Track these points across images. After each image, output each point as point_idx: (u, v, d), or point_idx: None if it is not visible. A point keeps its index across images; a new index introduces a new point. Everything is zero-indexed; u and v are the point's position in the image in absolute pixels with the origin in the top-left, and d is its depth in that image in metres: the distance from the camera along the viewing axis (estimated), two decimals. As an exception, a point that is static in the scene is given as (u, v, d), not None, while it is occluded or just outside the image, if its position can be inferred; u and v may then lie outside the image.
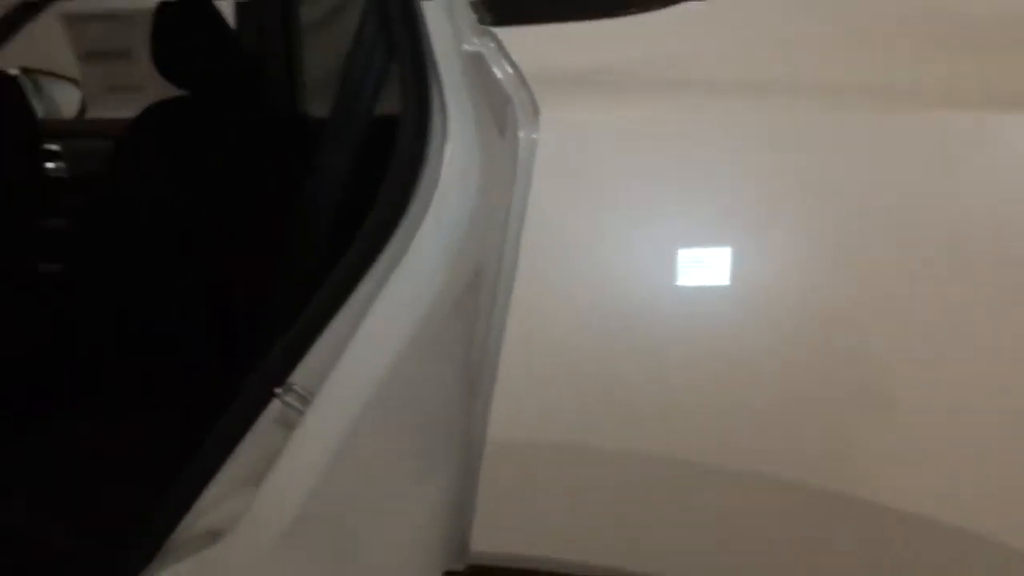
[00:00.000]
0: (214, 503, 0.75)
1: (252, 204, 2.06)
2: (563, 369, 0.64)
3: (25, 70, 1.92)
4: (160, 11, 1.90)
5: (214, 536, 0.73)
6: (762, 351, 0.65)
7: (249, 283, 2.00)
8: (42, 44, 2.37)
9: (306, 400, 0.70)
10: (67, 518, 0.98)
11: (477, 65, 0.70)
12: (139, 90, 2.62)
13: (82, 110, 2.43)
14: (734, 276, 0.65)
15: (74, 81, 2.47)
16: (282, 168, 2.17)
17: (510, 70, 0.68)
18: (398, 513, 0.66)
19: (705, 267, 0.65)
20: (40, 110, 2.42)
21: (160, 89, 2.58)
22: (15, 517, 0.99)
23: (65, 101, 2.30)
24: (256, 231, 2.11)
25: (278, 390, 0.70)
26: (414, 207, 0.71)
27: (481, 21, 0.70)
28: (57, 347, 1.65)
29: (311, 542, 0.66)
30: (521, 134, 0.65)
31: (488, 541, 0.62)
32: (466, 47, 0.70)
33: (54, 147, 2.20)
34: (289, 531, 0.66)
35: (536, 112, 0.65)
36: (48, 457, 1.22)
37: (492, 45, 0.69)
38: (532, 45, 0.67)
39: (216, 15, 2.00)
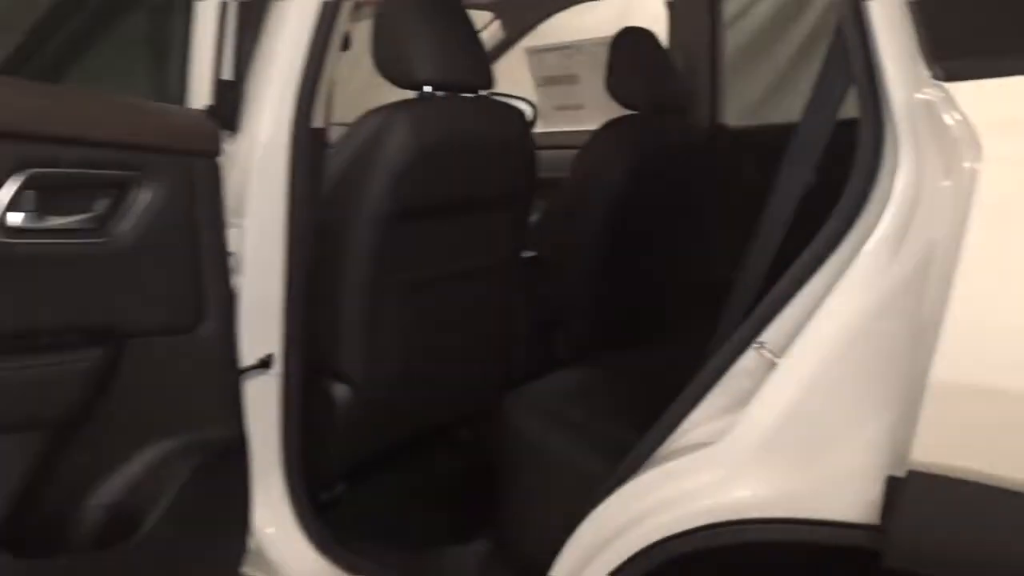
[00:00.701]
0: (696, 425, 1.05)
1: (688, 203, 2.41)
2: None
3: (493, 93, 2.42)
4: (615, 44, 2.28)
5: (699, 447, 1.03)
6: None
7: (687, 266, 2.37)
8: (511, 72, 2.95)
9: (776, 353, 0.96)
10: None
11: (928, 110, 0.90)
12: (580, 108, 3.09)
13: (532, 124, 2.94)
14: None
15: (528, 102, 2.97)
16: (706, 172, 2.48)
17: (958, 117, 0.87)
18: (854, 428, 0.89)
19: None
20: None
21: (597, 108, 3.02)
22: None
23: (522, 119, 2.82)
24: (689, 226, 2.45)
25: (756, 343, 0.98)
26: (867, 217, 0.93)
27: (934, 76, 0.90)
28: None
29: (783, 450, 0.92)
30: (964, 166, 0.85)
31: (926, 453, 0.83)
32: (918, 96, 0.91)
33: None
34: (766, 444, 0.93)
35: (979, 150, 0.84)
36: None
37: (942, 95, 0.89)
38: (980, 96, 0.86)
39: (659, 46, 2.35)
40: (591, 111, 2.99)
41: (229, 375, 1.32)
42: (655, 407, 1.13)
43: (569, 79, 3.03)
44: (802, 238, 1.03)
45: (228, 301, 1.29)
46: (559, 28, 2.96)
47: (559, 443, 1.47)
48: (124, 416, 1.20)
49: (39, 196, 1.07)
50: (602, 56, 2.63)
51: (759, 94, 2.75)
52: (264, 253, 1.45)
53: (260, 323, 1.46)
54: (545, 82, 3.08)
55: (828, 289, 0.89)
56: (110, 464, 1.22)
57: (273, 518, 1.57)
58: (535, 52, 3.04)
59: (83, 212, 1.13)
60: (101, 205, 1.15)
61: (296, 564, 1.59)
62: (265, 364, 1.52)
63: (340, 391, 1.72)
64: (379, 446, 1.90)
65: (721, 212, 2.59)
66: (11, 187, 1.03)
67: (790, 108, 2.45)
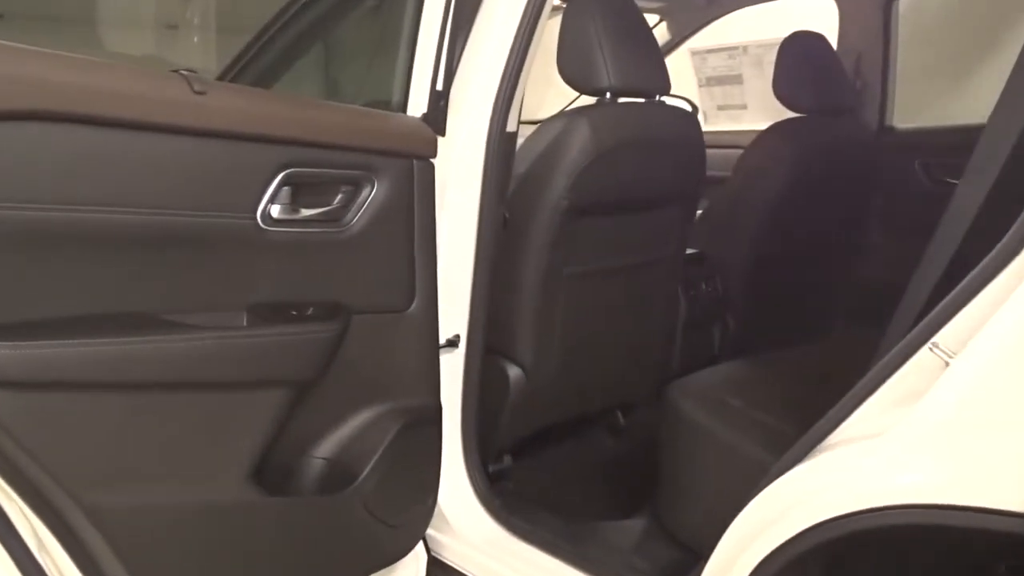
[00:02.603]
0: (863, 419, 1.12)
1: (850, 206, 2.43)
2: None
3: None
4: (784, 48, 2.32)
5: (868, 437, 1.11)
6: None
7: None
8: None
9: (950, 353, 1.03)
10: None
11: None
12: (743, 108, 3.13)
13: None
14: None
15: (690, 102, 3.04)
16: (872, 175, 2.49)
17: None
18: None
19: None
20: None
21: (761, 108, 3.05)
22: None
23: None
24: (850, 228, 2.48)
25: (930, 343, 1.05)
26: None
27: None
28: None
29: (956, 439, 0.99)
30: None
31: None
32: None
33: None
34: (939, 433, 1.00)
35: None
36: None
37: None
38: None
39: (829, 49, 2.37)
40: (754, 112, 3.03)
41: (431, 351, 1.49)
42: (811, 400, 1.20)
43: (732, 79, 3.08)
44: (976, 243, 1.07)
45: (434, 286, 1.45)
46: (722, 29, 3.02)
47: (721, 429, 1.57)
48: (345, 382, 1.39)
49: (292, 191, 1.26)
50: (766, 57, 2.68)
51: (928, 96, 2.71)
52: (457, 243, 1.61)
53: (451, 306, 1.63)
54: (708, 82, 3.14)
55: (1007, 292, 0.94)
56: (332, 423, 1.42)
57: (451, 483, 1.72)
58: (699, 53, 3.11)
59: (323, 205, 1.31)
60: (337, 199, 1.33)
61: (473, 528, 1.75)
62: (453, 343, 1.69)
63: (512, 372, 1.86)
64: (543, 424, 2.04)
65: (884, 216, 2.58)
66: (274, 184, 1.22)
67: (961, 111, 2.42)
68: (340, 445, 1.41)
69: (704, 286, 2.31)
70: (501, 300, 1.75)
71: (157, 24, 3.74)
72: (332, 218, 1.32)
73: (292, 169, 1.23)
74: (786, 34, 2.33)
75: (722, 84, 3.09)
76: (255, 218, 1.21)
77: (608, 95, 1.76)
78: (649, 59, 1.83)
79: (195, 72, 1.15)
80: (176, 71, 1.13)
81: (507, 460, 2.00)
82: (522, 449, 2.04)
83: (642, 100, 1.85)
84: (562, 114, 1.80)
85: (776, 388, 1.71)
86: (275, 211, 1.25)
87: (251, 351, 1.19)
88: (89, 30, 3.11)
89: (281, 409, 1.25)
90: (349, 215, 1.33)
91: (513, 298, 1.79)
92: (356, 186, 1.32)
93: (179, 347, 1.13)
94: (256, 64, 1.94)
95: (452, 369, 1.68)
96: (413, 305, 1.44)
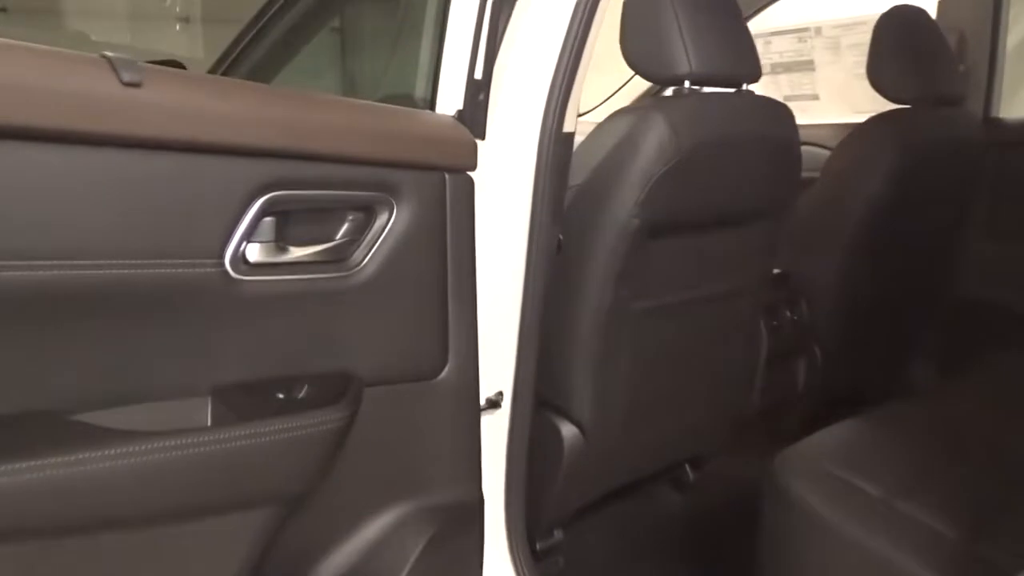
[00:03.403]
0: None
1: (958, 211, 2.06)
2: None
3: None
4: (881, 26, 1.94)
5: None
6: None
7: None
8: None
9: None
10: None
11: None
12: (814, 99, 2.74)
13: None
14: None
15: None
16: (979, 174, 2.11)
17: None
18: None
19: None
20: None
21: (836, 99, 2.67)
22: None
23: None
24: (960, 237, 2.12)
25: None
26: None
27: None
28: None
29: None
30: None
31: None
32: None
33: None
34: None
35: None
36: None
37: None
38: None
39: (934, 28, 1.98)
40: (827, 103, 2.64)
41: (470, 428, 1.12)
42: (978, 483, 0.84)
43: (802, 66, 2.68)
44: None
45: (473, 341, 1.08)
46: (790, 8, 2.62)
47: (855, 529, 1.19)
48: (357, 477, 1.02)
49: (277, 223, 0.89)
50: (844, 39, 2.31)
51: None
52: (501, 275, 1.25)
53: (493, 356, 1.27)
54: (773, 69, 2.74)
55: None
56: (341, 532, 1.05)
57: (493, 571, 1.39)
58: (762, 36, 2.71)
59: (321, 241, 0.94)
60: (342, 232, 0.96)
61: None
62: (495, 403, 1.33)
63: (567, 432, 1.55)
64: (603, 491, 1.72)
65: (993, 221, 2.22)
66: (249, 214, 0.85)
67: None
68: (353, 562, 1.04)
69: (788, 312, 1.95)
70: (554, 345, 1.42)
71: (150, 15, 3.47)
72: (334, 258, 0.95)
73: (275, 192, 0.87)
74: (865, 12, 1.94)
75: (790, 71, 2.69)
76: (222, 263, 0.84)
77: (687, 84, 1.39)
78: (736, 37, 1.47)
79: (131, 59, 0.77)
80: (102, 55, 0.75)
81: (557, 535, 1.69)
82: (576, 520, 1.72)
83: (728, 90, 1.49)
84: (630, 109, 1.44)
85: (920, 463, 1.32)
86: (252, 252, 0.88)
87: (218, 463, 0.82)
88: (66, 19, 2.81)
89: (264, 534, 0.88)
90: (358, 253, 0.96)
91: (569, 342, 1.46)
92: (368, 212, 0.96)
93: (103, 468, 0.75)
94: (253, 53, 1.58)
95: (494, 433, 1.35)
96: (446, 369, 1.07)
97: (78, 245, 0.76)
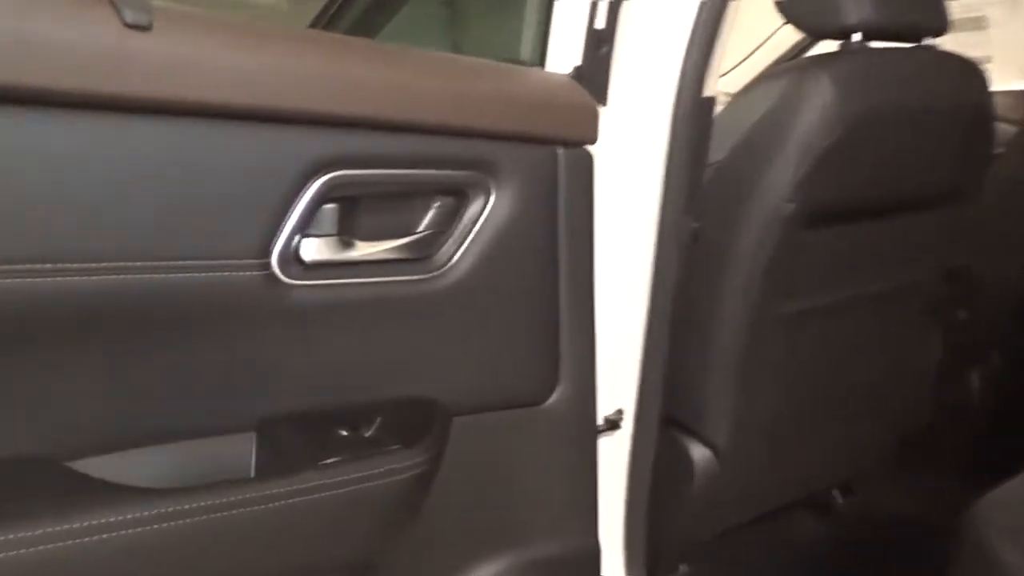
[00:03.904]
0: None
1: None
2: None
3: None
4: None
5: None
6: None
7: None
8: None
9: None
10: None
11: None
12: (987, 62, 2.37)
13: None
14: None
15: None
16: None
17: None
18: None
19: None
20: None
21: (1010, 63, 2.31)
22: None
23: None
24: None
25: None
26: None
27: None
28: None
29: None
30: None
31: None
32: None
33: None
34: None
35: None
36: None
37: None
38: None
39: None
40: (1004, 67, 2.28)
41: (584, 463, 0.91)
42: None
43: (972, 23, 2.33)
44: None
45: (591, 357, 0.87)
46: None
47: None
48: (445, 526, 0.82)
49: (340, 212, 0.69)
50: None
51: None
52: (623, 273, 1.04)
53: (612, 368, 1.06)
54: (936, 29, 2.40)
55: None
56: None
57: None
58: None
59: (397, 235, 0.74)
60: (424, 222, 0.75)
61: None
62: (614, 424, 1.12)
63: (698, 455, 1.32)
64: (737, 522, 1.49)
65: None
66: (303, 201, 0.65)
67: None
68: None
69: (963, 312, 1.65)
70: (685, 354, 1.21)
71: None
72: (415, 255, 0.75)
73: (337, 172, 0.67)
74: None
75: (955, 30, 2.32)
76: (267, 264, 0.65)
77: (857, 37, 1.13)
78: None
79: None
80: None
81: (683, 569, 1.49)
82: (704, 552, 1.54)
83: (907, 45, 1.21)
84: (784, 70, 1.19)
85: None
86: (308, 249, 0.68)
87: (264, 526, 0.63)
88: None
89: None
90: (446, 249, 0.76)
91: (704, 350, 1.24)
92: (458, 197, 0.76)
93: (118, 541, 0.57)
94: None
95: (611, 459, 1.16)
96: (556, 393, 0.86)
97: (72, 245, 0.58)
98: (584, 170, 0.83)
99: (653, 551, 1.27)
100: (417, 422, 0.75)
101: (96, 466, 0.63)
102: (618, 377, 1.09)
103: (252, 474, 0.69)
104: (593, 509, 0.96)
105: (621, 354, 1.08)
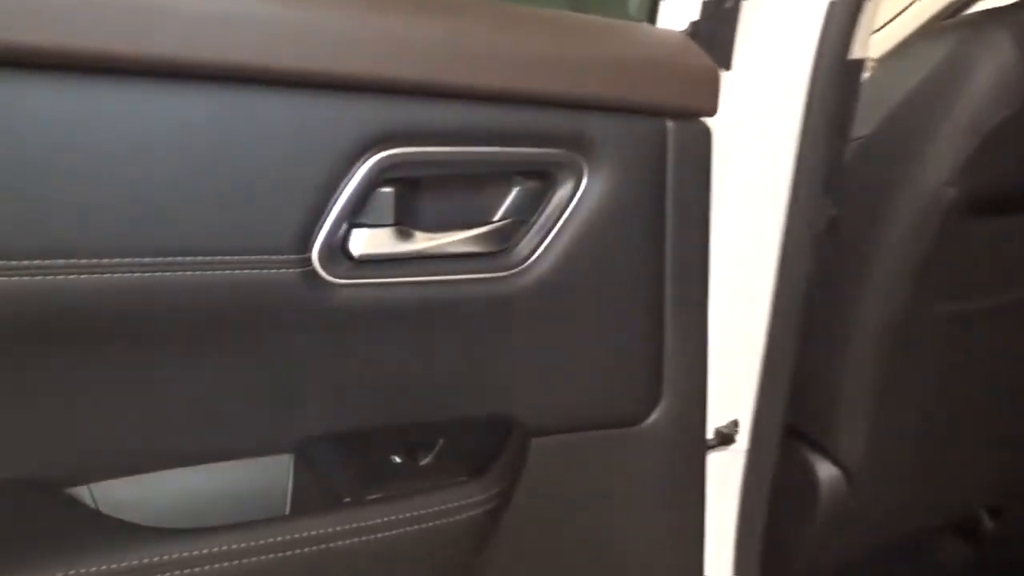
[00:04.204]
0: None
1: None
2: None
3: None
4: None
5: None
6: None
7: None
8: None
9: None
10: None
11: None
12: None
13: None
14: None
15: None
16: None
17: None
18: None
19: None
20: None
21: None
22: None
23: None
24: None
25: None
26: None
27: None
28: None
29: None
30: None
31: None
32: None
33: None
34: None
35: None
36: None
37: None
38: None
39: None
40: None
41: (690, 492, 0.77)
42: None
43: None
44: None
45: (702, 366, 0.73)
46: None
47: None
48: (513, 571, 0.70)
49: (397, 198, 0.57)
50: None
51: None
52: (742, 266, 0.90)
53: (725, 372, 0.92)
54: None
55: None
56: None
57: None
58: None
59: (467, 224, 0.62)
60: (502, 209, 0.63)
61: None
62: (726, 439, 0.97)
63: (825, 473, 1.18)
64: (866, 548, 1.33)
65: None
66: (352, 183, 0.53)
67: None
68: None
69: None
70: (815, 358, 1.07)
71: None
72: (489, 249, 0.62)
73: (394, 149, 0.55)
74: None
75: None
76: (307, 260, 0.54)
77: None
78: None
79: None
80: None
81: None
82: None
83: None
84: (948, 26, 0.99)
85: None
86: (357, 242, 0.57)
87: (298, 570, 0.52)
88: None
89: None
90: (527, 242, 0.64)
91: (839, 356, 1.09)
92: (544, 180, 0.63)
93: None
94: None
95: (722, 478, 1.03)
96: (658, 410, 0.73)
97: (64, 237, 0.48)
98: (700, 147, 0.68)
99: None
100: (487, 446, 0.64)
101: (106, 493, 0.54)
102: (733, 384, 0.95)
103: (288, 504, 0.59)
104: (699, 543, 0.83)
105: (738, 358, 0.94)
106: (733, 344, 0.92)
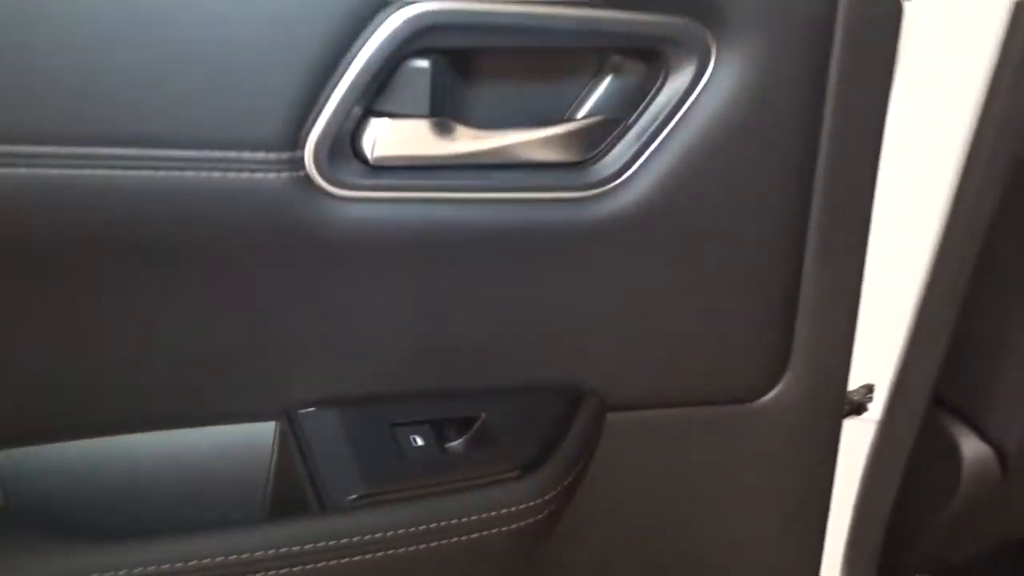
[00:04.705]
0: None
1: None
2: None
3: None
4: None
5: None
6: None
7: None
8: None
9: None
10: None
11: None
12: None
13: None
14: None
15: None
16: None
17: None
18: None
19: None
20: None
21: None
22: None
23: None
24: None
25: None
26: None
27: None
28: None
29: None
30: None
31: None
32: None
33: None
34: None
35: None
36: None
37: None
38: None
39: None
40: None
41: (817, 488, 0.61)
42: None
43: None
44: None
45: (848, 328, 0.56)
46: None
47: None
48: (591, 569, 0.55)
49: (434, 79, 0.39)
50: None
51: None
52: (901, 204, 0.71)
53: (865, 330, 0.76)
54: None
55: None
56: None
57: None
58: None
59: (524, 122, 0.44)
60: (577, 102, 0.45)
61: None
62: (858, 408, 0.81)
63: (971, 451, 1.00)
64: (1010, 536, 1.15)
65: None
66: (365, 51, 0.36)
67: None
68: None
69: None
70: (974, 322, 0.89)
71: None
72: (564, 157, 0.44)
73: (431, 3, 0.36)
74: None
75: None
76: (299, 161, 0.37)
77: None
78: None
79: None
80: None
81: None
82: (953, 570, 1.20)
83: None
84: None
85: None
86: (373, 139, 0.39)
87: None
88: None
89: None
90: (619, 151, 0.45)
91: (1006, 320, 0.90)
92: (651, 64, 0.44)
93: None
94: None
95: (847, 450, 0.84)
96: (782, 382, 0.55)
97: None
98: (885, 30, 0.47)
99: (889, 562, 1.00)
100: (548, 425, 0.47)
101: (47, 461, 0.40)
102: (869, 342, 0.77)
103: (268, 486, 0.44)
104: (818, 547, 0.67)
105: (881, 312, 0.76)
106: (878, 294, 0.74)
